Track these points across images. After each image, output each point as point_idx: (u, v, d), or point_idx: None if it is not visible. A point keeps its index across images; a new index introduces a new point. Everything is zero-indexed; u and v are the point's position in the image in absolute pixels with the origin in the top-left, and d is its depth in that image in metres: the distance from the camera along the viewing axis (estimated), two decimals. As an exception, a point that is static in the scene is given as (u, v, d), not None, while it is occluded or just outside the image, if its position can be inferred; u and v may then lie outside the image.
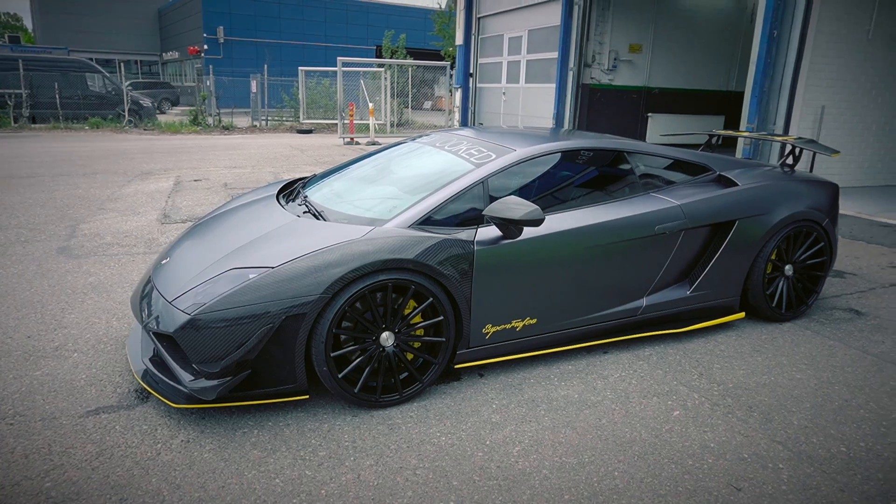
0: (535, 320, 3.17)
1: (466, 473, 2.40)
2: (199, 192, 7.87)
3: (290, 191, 3.86)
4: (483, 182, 3.12)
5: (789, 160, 4.42)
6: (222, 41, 32.04)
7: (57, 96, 18.32)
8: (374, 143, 15.49)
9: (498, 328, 3.09)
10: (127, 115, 19.17)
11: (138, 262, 4.97)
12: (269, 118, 22.40)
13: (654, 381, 3.17)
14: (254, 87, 22.26)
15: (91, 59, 24.34)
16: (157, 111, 24.22)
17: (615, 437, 2.66)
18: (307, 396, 2.80)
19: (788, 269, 3.93)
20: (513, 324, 3.12)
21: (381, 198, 3.39)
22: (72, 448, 2.52)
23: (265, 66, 22.64)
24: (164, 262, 3.24)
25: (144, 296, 3.04)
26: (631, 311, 3.47)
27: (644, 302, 3.51)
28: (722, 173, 3.93)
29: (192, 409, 2.79)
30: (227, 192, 7.96)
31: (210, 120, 20.57)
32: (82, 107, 19.24)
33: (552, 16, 12.84)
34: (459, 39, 16.70)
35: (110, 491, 2.27)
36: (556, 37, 12.58)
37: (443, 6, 32.15)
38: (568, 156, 3.56)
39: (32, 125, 17.76)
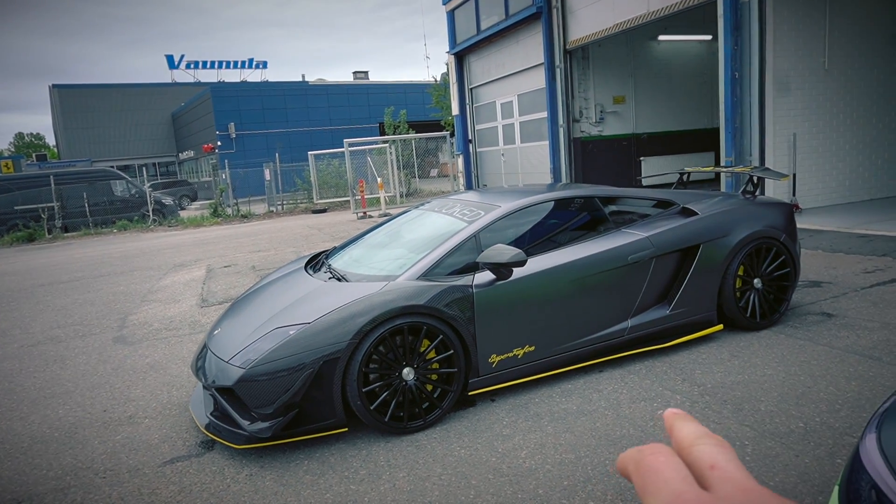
0: (533, 347, 3.70)
1: (483, 474, 2.89)
2: (230, 277, 8.59)
3: (315, 262, 4.50)
4: (475, 236, 3.74)
5: (749, 187, 4.99)
6: (234, 136, 33.94)
7: (86, 205, 19.64)
8: (385, 215, 16.35)
9: (502, 357, 3.62)
10: (151, 215, 20.40)
11: (185, 342, 5.59)
12: (285, 202, 23.59)
13: (643, 389, 3.65)
14: (267, 175, 23.56)
15: (112, 167, 25.99)
16: (178, 207, 25.61)
17: (607, 435, 3.14)
18: (346, 429, 3.33)
19: (757, 282, 4.43)
20: (514, 352, 3.65)
21: (392, 258, 4.01)
22: (157, 489, 3.06)
23: (276, 154, 24.04)
24: (216, 332, 3.85)
25: (204, 362, 3.63)
26: (618, 332, 3.99)
27: (629, 323, 4.03)
28: (685, 205, 4.51)
29: (253, 449, 3.32)
30: (255, 273, 8.68)
31: (229, 210, 21.79)
32: (109, 212, 20.57)
33: (537, 80, 13.84)
34: (456, 110, 17.83)
35: (194, 516, 2.79)
36: (544, 98, 13.52)
37: (438, 80, 33.92)
38: (545, 206, 4.19)
39: (65, 234, 18.99)
